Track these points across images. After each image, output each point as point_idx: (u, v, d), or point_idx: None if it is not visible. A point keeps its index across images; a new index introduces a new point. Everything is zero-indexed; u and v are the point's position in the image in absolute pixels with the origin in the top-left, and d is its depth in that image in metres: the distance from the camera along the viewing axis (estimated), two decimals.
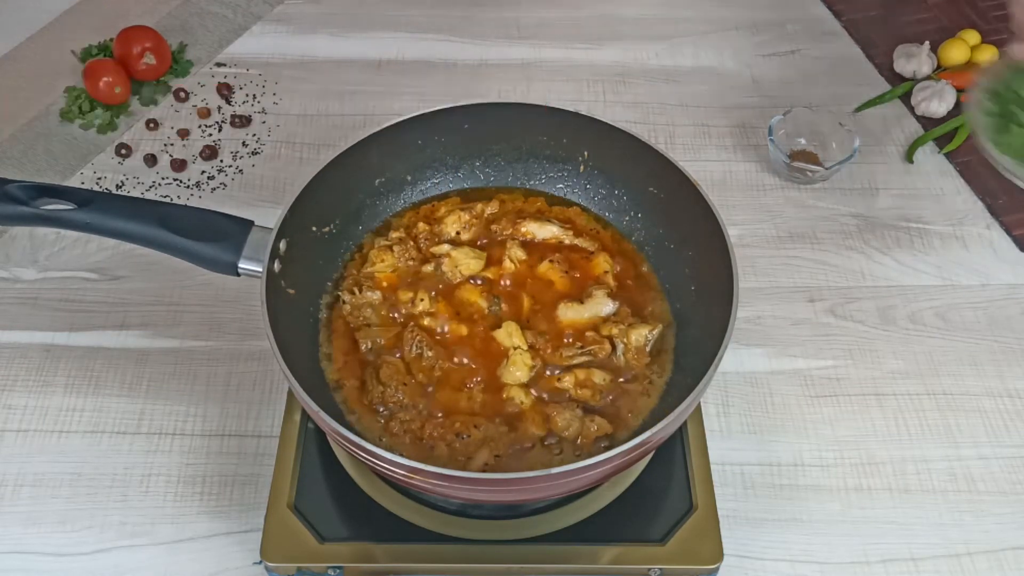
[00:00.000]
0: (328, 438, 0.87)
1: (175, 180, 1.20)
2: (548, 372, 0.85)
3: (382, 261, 0.91)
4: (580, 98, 1.31)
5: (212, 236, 0.81)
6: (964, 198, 1.19)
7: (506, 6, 1.45)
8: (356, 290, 0.89)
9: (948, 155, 1.24)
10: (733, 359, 1.03)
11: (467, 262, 0.91)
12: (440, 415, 0.82)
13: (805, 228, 1.16)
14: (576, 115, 0.92)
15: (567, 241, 0.94)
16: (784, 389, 1.01)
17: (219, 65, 1.35)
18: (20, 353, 1.03)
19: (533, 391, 0.84)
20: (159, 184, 1.19)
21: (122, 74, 1.27)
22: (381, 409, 0.82)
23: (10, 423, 0.97)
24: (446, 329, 0.87)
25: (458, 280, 0.90)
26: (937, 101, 1.26)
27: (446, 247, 0.92)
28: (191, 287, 1.08)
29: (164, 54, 1.31)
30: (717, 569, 0.82)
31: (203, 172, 1.21)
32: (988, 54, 1.33)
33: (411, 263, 0.91)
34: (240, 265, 0.81)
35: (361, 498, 0.85)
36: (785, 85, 1.32)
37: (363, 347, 0.86)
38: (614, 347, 0.86)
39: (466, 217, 0.95)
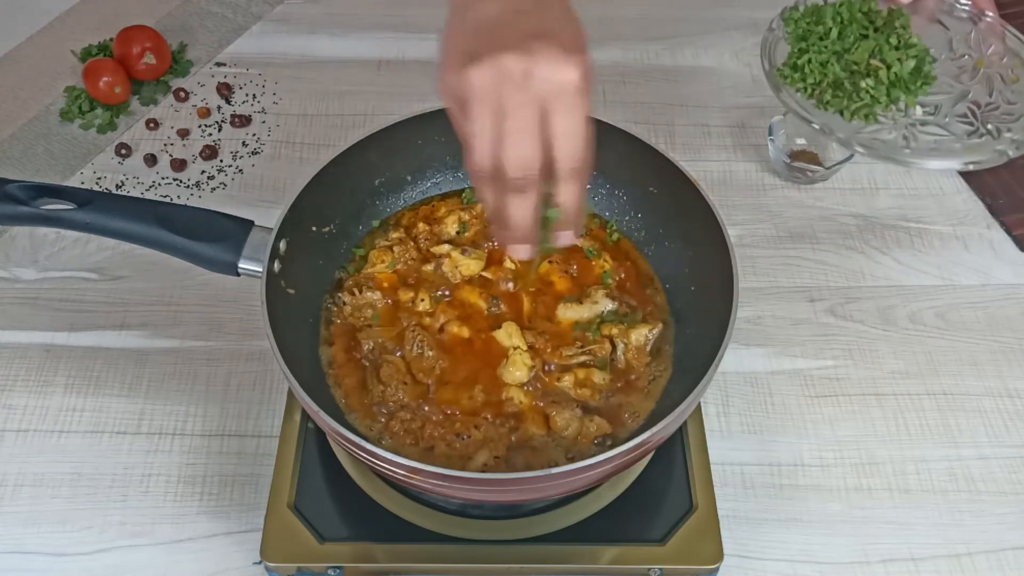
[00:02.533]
0: (328, 438, 0.87)
1: (175, 180, 1.20)
2: (548, 372, 0.85)
3: (382, 261, 0.91)
4: None
5: (212, 236, 0.81)
6: (964, 198, 1.19)
7: None
8: (356, 290, 0.89)
9: None
10: (733, 359, 1.03)
11: (467, 262, 0.91)
12: (440, 415, 0.82)
13: (805, 228, 1.16)
14: None
15: None
16: (784, 389, 1.01)
17: (219, 65, 1.35)
18: (20, 353, 1.03)
19: (533, 391, 0.84)
20: (159, 184, 1.19)
21: (122, 74, 1.27)
22: (381, 409, 0.82)
23: (10, 423, 0.97)
24: (446, 329, 0.87)
25: (458, 280, 0.90)
26: None
27: (446, 247, 0.92)
28: (191, 287, 1.08)
29: (164, 54, 1.31)
30: (717, 569, 0.82)
31: (203, 172, 1.21)
32: None
33: (411, 263, 0.92)
34: (240, 265, 0.81)
35: (361, 498, 0.85)
36: None
37: (363, 347, 0.86)
38: (614, 347, 0.86)
39: (466, 217, 0.95)
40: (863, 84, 0.88)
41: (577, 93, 0.59)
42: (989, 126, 0.90)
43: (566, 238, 0.67)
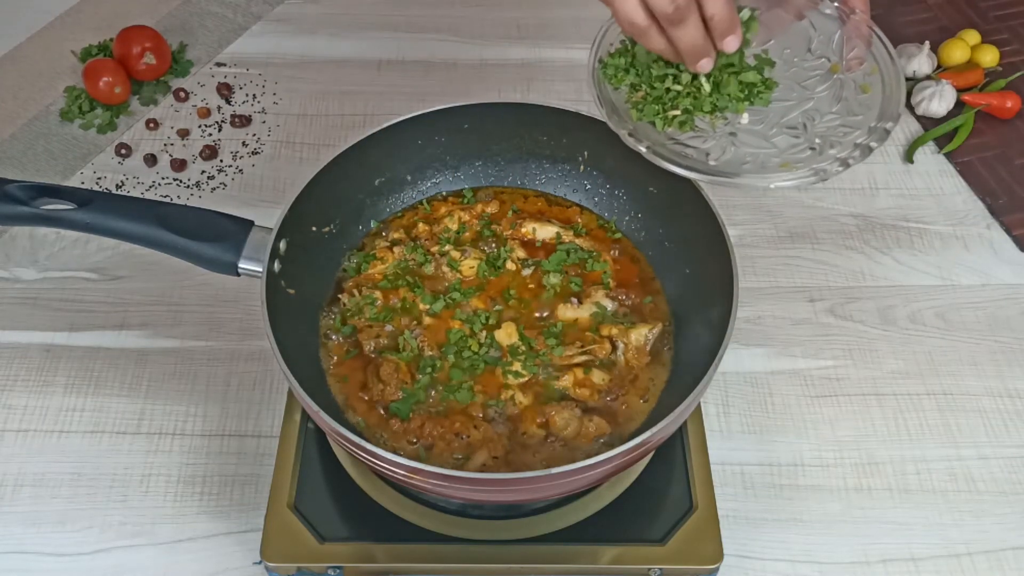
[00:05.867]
0: (328, 438, 0.87)
1: (175, 180, 1.20)
2: (547, 372, 0.85)
3: (382, 261, 0.91)
4: (580, 98, 1.30)
5: (212, 236, 0.81)
6: (964, 198, 1.19)
7: (506, 6, 1.45)
8: (356, 290, 0.89)
9: (948, 155, 1.24)
10: (733, 359, 1.03)
11: (467, 262, 0.91)
12: (440, 414, 0.82)
13: (805, 228, 1.16)
14: (576, 115, 0.92)
15: (567, 241, 0.94)
16: (784, 389, 1.01)
17: (219, 65, 1.35)
18: (20, 353, 1.03)
19: (532, 391, 0.84)
20: (159, 184, 1.19)
21: (122, 74, 1.27)
22: (381, 408, 0.82)
23: (10, 423, 0.97)
24: (446, 329, 0.87)
25: (458, 280, 0.90)
26: (937, 101, 1.26)
27: (446, 247, 0.92)
28: (191, 287, 1.08)
29: (164, 54, 1.31)
30: (717, 569, 0.82)
31: (203, 172, 1.21)
32: (988, 54, 1.32)
33: (411, 263, 0.92)
34: (240, 265, 0.81)
35: (361, 498, 0.85)
36: None
37: (363, 347, 0.86)
38: (614, 347, 0.86)
39: (466, 217, 0.95)
40: (672, 85, 0.79)
41: None
42: (817, 140, 0.79)
43: (730, 44, 0.74)
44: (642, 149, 0.77)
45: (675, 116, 0.78)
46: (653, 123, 0.79)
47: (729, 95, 0.78)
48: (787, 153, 0.78)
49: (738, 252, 0.82)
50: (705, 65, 0.75)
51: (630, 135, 0.78)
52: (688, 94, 0.78)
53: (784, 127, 0.80)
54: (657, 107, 0.78)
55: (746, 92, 0.79)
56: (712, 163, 0.78)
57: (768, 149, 0.79)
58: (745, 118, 0.80)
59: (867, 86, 0.82)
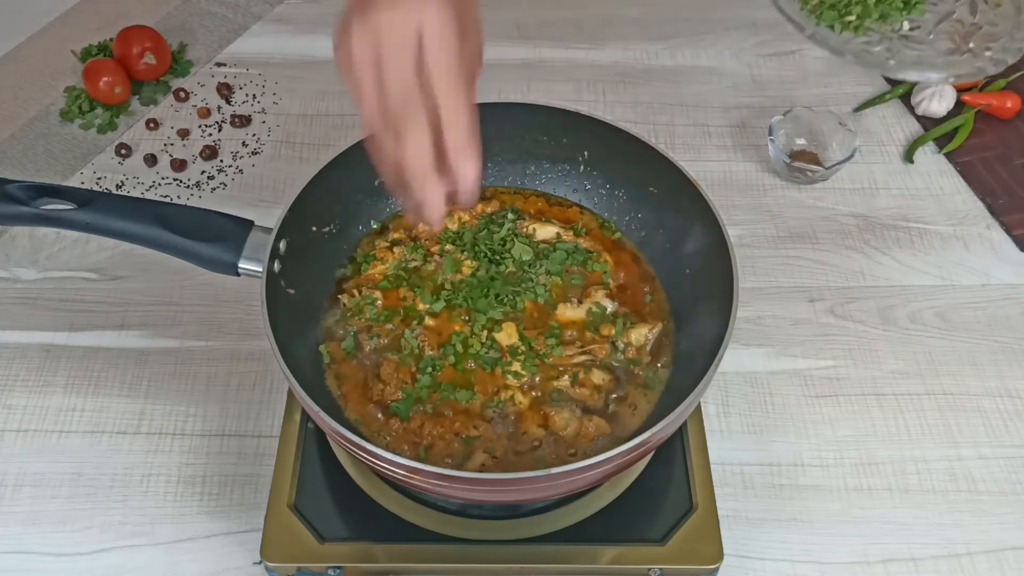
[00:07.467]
0: (328, 438, 0.87)
1: (175, 180, 1.20)
2: (547, 372, 0.85)
3: (382, 261, 0.91)
4: (580, 98, 1.31)
5: (212, 236, 0.81)
6: (964, 198, 1.19)
7: (506, 6, 1.44)
8: (356, 291, 0.89)
9: (948, 155, 1.24)
10: (733, 359, 1.03)
11: (467, 261, 0.91)
12: (440, 414, 0.82)
13: (805, 228, 1.16)
14: (576, 115, 0.92)
15: (567, 240, 0.94)
16: (784, 389, 1.01)
17: (219, 65, 1.35)
18: (20, 353, 1.03)
19: (532, 391, 0.84)
20: (159, 184, 1.19)
21: (122, 74, 1.27)
22: (381, 408, 0.82)
23: (10, 423, 0.97)
24: (446, 329, 0.87)
25: (458, 280, 0.90)
26: (937, 101, 1.26)
27: (447, 246, 0.92)
28: (191, 287, 1.08)
29: (164, 54, 1.31)
30: (717, 569, 0.82)
31: (203, 172, 1.21)
32: None
33: (411, 263, 0.92)
34: (240, 265, 0.81)
35: (361, 498, 0.85)
36: (785, 85, 1.32)
37: (364, 347, 0.86)
38: (614, 347, 0.86)
39: (466, 217, 0.95)
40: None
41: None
42: (971, 44, 0.97)
43: (465, 181, 0.66)
44: (831, 44, 0.96)
45: (850, 21, 0.95)
46: (832, 27, 0.97)
47: (890, 4, 0.95)
48: (948, 56, 0.96)
49: (738, 252, 0.82)
50: (431, 214, 0.66)
51: (812, 37, 0.96)
52: (857, 3, 0.94)
53: (939, 32, 0.99)
54: (834, 13, 0.95)
55: (905, 2, 0.96)
56: (891, 63, 0.96)
57: (930, 52, 0.97)
58: (906, 25, 0.97)
59: (999, 0, 1.01)
